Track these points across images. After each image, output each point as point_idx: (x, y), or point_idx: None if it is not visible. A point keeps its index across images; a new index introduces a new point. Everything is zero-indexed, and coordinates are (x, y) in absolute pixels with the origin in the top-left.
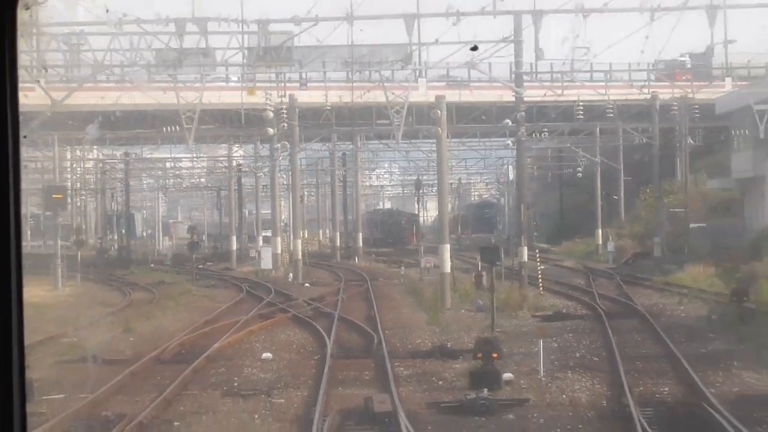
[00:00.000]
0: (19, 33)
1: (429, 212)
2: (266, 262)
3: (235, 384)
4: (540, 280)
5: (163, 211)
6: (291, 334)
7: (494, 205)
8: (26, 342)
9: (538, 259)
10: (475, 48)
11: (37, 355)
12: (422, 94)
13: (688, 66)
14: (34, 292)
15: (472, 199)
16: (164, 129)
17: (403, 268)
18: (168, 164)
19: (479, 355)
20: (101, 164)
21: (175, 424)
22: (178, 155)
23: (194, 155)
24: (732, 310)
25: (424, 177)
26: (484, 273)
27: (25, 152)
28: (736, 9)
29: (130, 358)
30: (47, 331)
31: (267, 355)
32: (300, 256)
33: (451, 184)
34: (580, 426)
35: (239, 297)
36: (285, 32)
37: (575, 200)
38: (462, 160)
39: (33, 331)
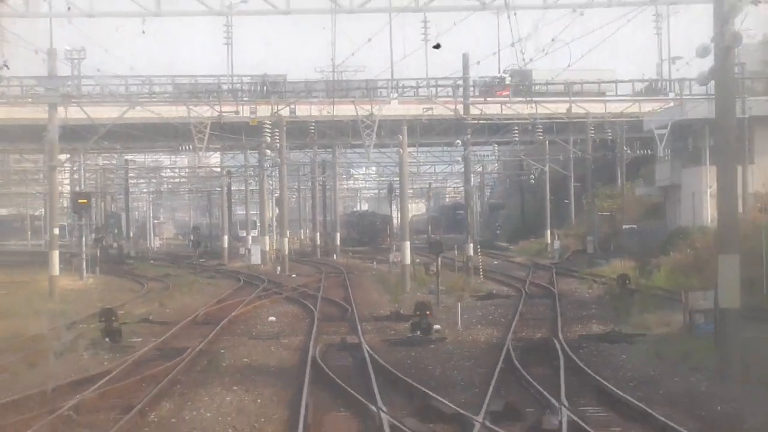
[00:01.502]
0: None
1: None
2: (255, 258)
3: (254, 333)
4: (481, 270)
5: (145, 212)
6: (287, 308)
7: (465, 206)
8: (89, 313)
9: (479, 254)
10: (437, 46)
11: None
12: (394, 108)
13: (508, 83)
14: (64, 282)
15: (446, 201)
16: (174, 140)
17: (375, 263)
18: (169, 171)
19: (418, 312)
20: (102, 170)
21: (221, 350)
22: (158, 161)
23: (195, 162)
24: (618, 291)
25: (398, 180)
26: (432, 262)
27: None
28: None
29: (173, 320)
30: (99, 307)
31: (272, 318)
32: (287, 253)
33: (422, 188)
34: (474, 350)
35: (239, 285)
36: (280, 75)
37: (534, 204)
38: (431, 165)
39: (89, 306)
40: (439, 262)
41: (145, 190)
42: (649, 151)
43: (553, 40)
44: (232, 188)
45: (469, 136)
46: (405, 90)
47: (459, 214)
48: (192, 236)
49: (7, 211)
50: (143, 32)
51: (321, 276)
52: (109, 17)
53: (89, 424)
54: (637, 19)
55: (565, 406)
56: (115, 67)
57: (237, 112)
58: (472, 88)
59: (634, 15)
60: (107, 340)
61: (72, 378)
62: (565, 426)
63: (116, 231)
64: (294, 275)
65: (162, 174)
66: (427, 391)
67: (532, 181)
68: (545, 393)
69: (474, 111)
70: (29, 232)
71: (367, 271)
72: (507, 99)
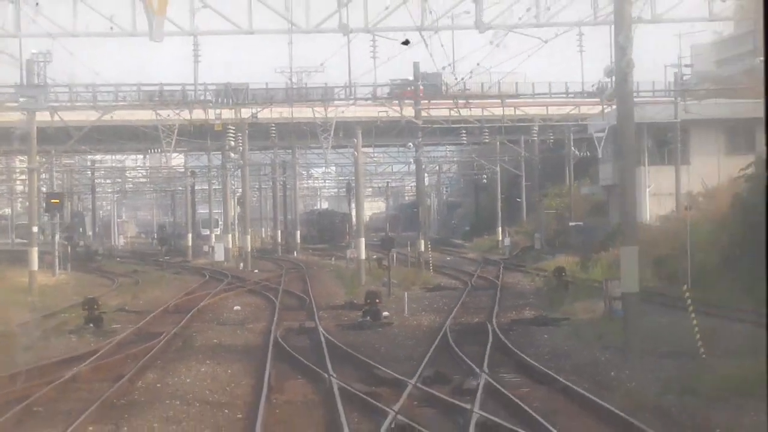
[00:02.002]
0: None
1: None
2: (219, 255)
3: (221, 320)
4: (431, 265)
5: (108, 211)
6: (251, 299)
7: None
8: (68, 304)
9: (429, 250)
10: (406, 42)
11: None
12: (352, 111)
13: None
14: (39, 278)
15: (405, 200)
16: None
17: (333, 259)
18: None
19: (368, 301)
20: (69, 171)
21: (194, 333)
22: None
23: (158, 162)
24: (554, 283)
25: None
26: (384, 256)
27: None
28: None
29: (147, 310)
30: (76, 300)
31: (237, 307)
32: (249, 250)
33: (380, 187)
34: (416, 332)
35: (205, 280)
36: (242, 84)
37: (488, 203)
38: (389, 165)
39: (66, 299)
40: (394, 257)
41: (109, 190)
42: (588, 152)
43: (477, 64)
44: (195, 188)
45: (420, 138)
46: (359, 98)
47: (417, 212)
48: (157, 234)
49: None
50: (111, 28)
51: (282, 271)
52: (90, 37)
53: (87, 390)
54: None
55: (485, 373)
56: (82, 73)
57: (206, 119)
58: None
59: (557, 34)
60: (91, 325)
61: (66, 356)
62: (481, 386)
63: (81, 230)
64: (256, 271)
65: (127, 174)
66: (371, 362)
67: (484, 181)
68: (471, 364)
69: (424, 114)
70: None
71: (326, 267)
72: (455, 104)
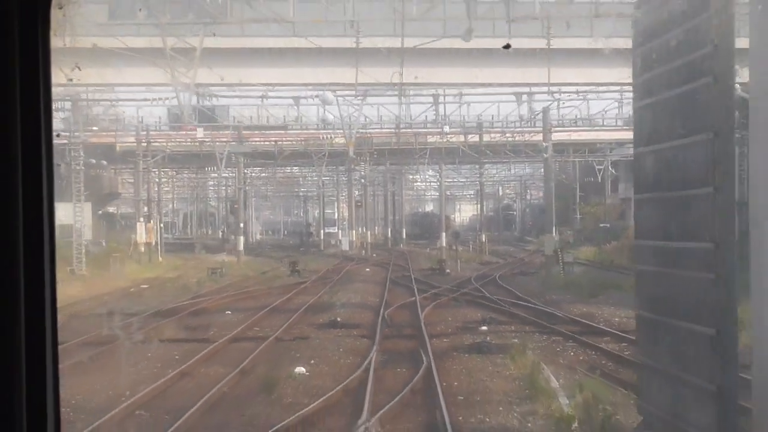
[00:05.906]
0: (52, 32)
1: (463, 213)
2: (345, 246)
3: (361, 274)
4: (487, 250)
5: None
6: (374, 267)
7: (513, 206)
8: (267, 268)
9: (485, 240)
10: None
11: (278, 270)
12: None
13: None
14: (227, 259)
15: (500, 203)
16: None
17: (429, 249)
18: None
19: (438, 264)
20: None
21: (350, 277)
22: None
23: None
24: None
25: (459, 183)
26: (452, 245)
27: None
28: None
29: (317, 270)
30: (267, 268)
31: (368, 269)
32: (369, 241)
33: (472, 194)
34: (460, 277)
35: (340, 260)
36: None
37: (558, 206)
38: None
39: (263, 267)
40: (469, 245)
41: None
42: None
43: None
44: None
45: (480, 164)
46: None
47: (508, 214)
48: (305, 230)
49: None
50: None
51: (391, 256)
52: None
53: (314, 288)
54: None
55: (477, 286)
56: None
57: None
58: None
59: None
60: (296, 274)
61: (293, 282)
62: (473, 288)
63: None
64: (374, 255)
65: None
66: (433, 283)
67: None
68: (476, 284)
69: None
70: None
71: (422, 254)
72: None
